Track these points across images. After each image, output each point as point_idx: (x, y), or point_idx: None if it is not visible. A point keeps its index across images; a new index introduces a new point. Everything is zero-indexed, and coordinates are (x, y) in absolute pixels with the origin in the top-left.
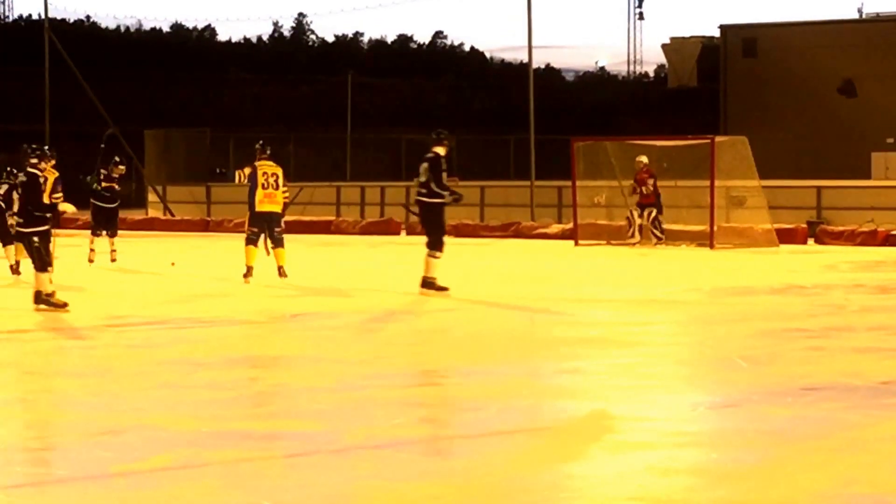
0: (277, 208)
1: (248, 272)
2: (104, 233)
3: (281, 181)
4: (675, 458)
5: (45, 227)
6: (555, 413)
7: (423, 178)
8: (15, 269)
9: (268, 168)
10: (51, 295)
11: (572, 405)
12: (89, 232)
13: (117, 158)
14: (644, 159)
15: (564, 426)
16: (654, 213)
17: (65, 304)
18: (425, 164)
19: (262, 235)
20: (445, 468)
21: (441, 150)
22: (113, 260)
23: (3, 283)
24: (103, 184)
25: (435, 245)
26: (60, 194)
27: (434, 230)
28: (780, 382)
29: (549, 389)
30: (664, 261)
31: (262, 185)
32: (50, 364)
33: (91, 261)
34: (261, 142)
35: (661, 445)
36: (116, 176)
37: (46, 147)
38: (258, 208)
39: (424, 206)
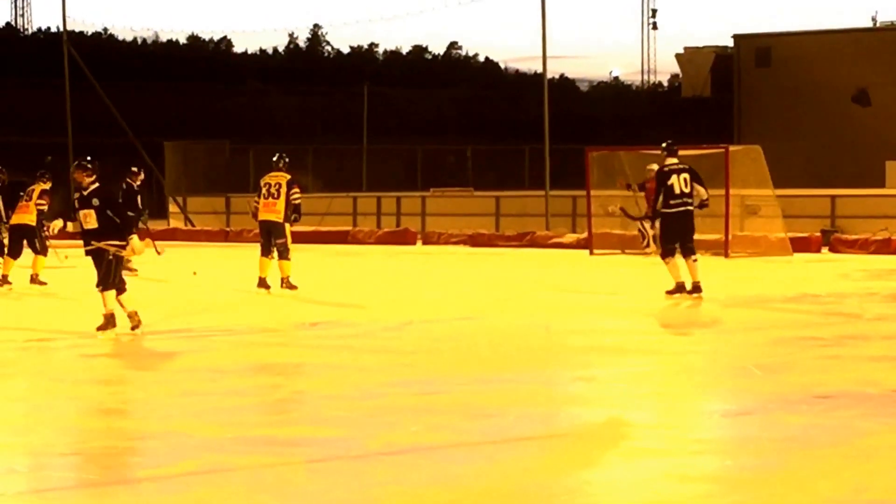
0: (275, 217)
1: (261, 283)
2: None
3: (284, 189)
4: (691, 466)
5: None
6: (571, 420)
7: (688, 188)
8: (2, 281)
9: (270, 179)
10: (130, 316)
11: (588, 413)
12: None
13: (134, 168)
14: (654, 167)
15: (580, 433)
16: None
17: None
18: (686, 175)
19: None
20: (463, 474)
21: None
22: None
23: (28, 294)
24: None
25: (695, 250)
26: (45, 200)
27: (692, 236)
28: (794, 390)
29: (565, 397)
30: None
31: (264, 195)
32: (77, 372)
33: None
34: (276, 156)
35: (676, 453)
36: (137, 184)
37: (42, 171)
38: (259, 217)
39: (689, 214)
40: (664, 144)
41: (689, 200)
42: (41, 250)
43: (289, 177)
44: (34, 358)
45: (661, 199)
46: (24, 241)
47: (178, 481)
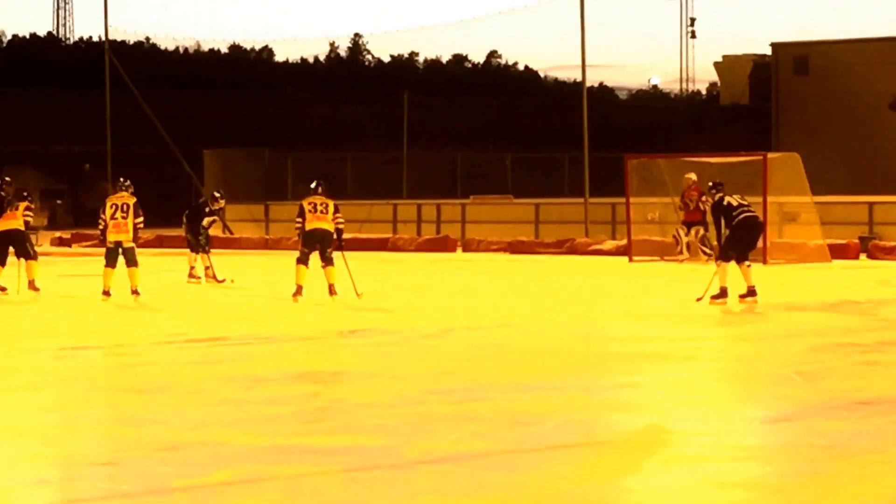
0: (328, 226)
1: (298, 291)
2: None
3: (331, 210)
4: (730, 472)
5: None
6: (610, 427)
7: (745, 201)
8: None
9: (316, 199)
10: None
11: (628, 419)
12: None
13: (216, 193)
14: (693, 176)
15: (620, 440)
16: (701, 231)
17: None
18: (736, 195)
19: (313, 254)
20: (503, 482)
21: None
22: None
23: (60, 303)
24: (207, 220)
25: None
26: (141, 218)
27: (754, 248)
28: (834, 396)
29: (605, 404)
30: None
31: (310, 210)
32: (112, 380)
33: (196, 277)
34: (313, 183)
35: (716, 459)
36: (217, 208)
37: (121, 178)
38: (308, 227)
39: (756, 221)
40: (711, 184)
41: (751, 208)
42: (32, 255)
43: (332, 202)
44: (68, 367)
45: (723, 222)
46: (11, 248)
47: (213, 491)
